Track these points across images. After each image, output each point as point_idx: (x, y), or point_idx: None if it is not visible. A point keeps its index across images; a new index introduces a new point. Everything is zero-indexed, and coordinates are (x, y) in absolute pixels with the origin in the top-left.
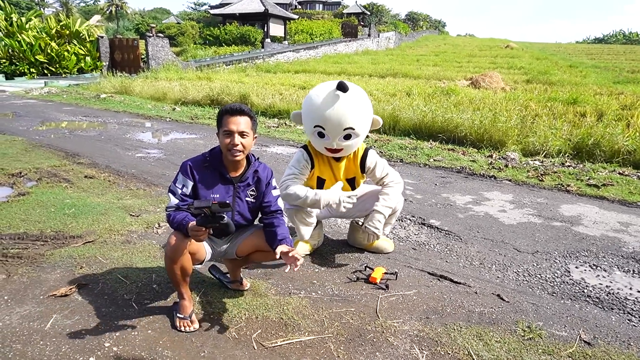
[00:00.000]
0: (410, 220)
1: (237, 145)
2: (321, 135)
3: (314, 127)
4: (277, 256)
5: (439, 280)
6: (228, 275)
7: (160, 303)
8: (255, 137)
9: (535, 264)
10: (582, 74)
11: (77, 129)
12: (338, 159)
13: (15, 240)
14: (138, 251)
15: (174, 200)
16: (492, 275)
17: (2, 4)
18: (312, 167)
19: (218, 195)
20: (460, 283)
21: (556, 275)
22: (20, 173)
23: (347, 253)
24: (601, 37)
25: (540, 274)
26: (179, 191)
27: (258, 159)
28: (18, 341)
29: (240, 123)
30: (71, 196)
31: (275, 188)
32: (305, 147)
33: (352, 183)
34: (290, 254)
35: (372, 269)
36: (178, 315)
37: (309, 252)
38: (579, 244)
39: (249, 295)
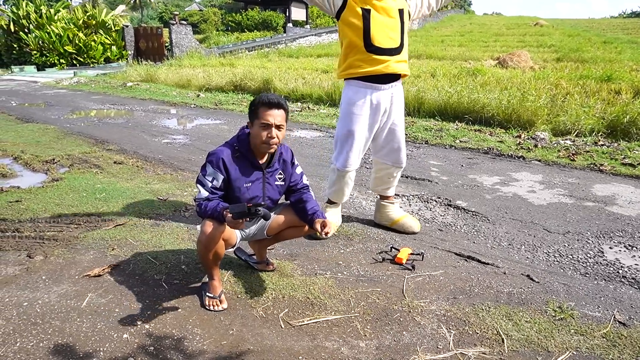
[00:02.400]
0: (436, 201)
1: (274, 138)
2: None
3: None
4: (316, 229)
5: (466, 261)
6: (254, 256)
7: (189, 283)
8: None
9: (567, 245)
10: (617, 50)
11: (105, 116)
12: None
13: (50, 223)
14: (167, 233)
15: (204, 193)
16: (522, 256)
17: None
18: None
19: (250, 184)
20: (488, 264)
21: (589, 255)
22: (54, 160)
23: (372, 234)
24: (638, 10)
25: (572, 255)
26: (209, 184)
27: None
28: (57, 318)
29: (278, 116)
30: (102, 181)
31: (297, 165)
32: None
33: (402, 16)
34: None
35: (398, 250)
36: (208, 294)
37: (334, 233)
38: (613, 224)
39: (275, 275)
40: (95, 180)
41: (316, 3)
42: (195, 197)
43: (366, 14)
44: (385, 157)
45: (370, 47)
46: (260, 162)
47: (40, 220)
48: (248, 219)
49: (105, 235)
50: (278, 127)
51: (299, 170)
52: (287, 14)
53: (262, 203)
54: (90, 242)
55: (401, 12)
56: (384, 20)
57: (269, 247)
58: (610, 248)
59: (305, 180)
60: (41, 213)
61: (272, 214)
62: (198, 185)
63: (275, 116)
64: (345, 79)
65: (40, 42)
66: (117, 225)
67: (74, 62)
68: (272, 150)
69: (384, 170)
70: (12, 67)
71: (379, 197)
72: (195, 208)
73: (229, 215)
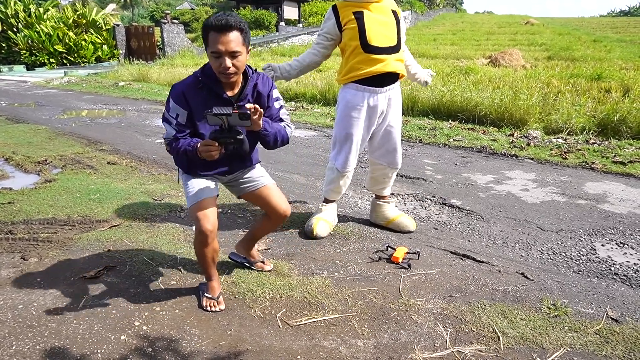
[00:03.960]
0: (430, 200)
1: (229, 68)
2: None
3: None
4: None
5: (461, 259)
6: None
7: (186, 284)
8: (249, 51)
9: (560, 243)
10: (606, 49)
11: (97, 116)
12: None
13: (44, 225)
14: (162, 234)
15: (171, 131)
16: (516, 254)
17: None
18: (337, 18)
19: (207, 124)
20: (483, 262)
21: (581, 253)
22: (46, 160)
23: (368, 233)
24: (627, 9)
25: (565, 252)
26: (174, 121)
27: (256, 70)
28: (53, 320)
29: (230, 41)
30: (95, 182)
31: (277, 99)
32: (333, 7)
33: (396, 17)
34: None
35: (394, 249)
36: (206, 295)
37: (330, 231)
38: (605, 221)
39: (272, 275)
40: (89, 181)
41: (327, 44)
42: (163, 136)
43: (359, 15)
44: (380, 158)
45: (368, 47)
46: (230, 94)
47: (34, 222)
48: (225, 142)
49: (101, 237)
50: (232, 54)
51: (278, 104)
52: (280, 13)
53: (248, 113)
54: (85, 243)
55: (394, 12)
56: (377, 17)
57: (263, 248)
58: (602, 245)
59: (284, 115)
60: (34, 215)
61: (250, 186)
62: (164, 124)
63: (226, 43)
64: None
65: (29, 41)
66: (112, 227)
67: (64, 61)
68: (232, 80)
69: (379, 170)
70: (1, 66)
71: (374, 196)
72: (166, 148)
73: (202, 142)
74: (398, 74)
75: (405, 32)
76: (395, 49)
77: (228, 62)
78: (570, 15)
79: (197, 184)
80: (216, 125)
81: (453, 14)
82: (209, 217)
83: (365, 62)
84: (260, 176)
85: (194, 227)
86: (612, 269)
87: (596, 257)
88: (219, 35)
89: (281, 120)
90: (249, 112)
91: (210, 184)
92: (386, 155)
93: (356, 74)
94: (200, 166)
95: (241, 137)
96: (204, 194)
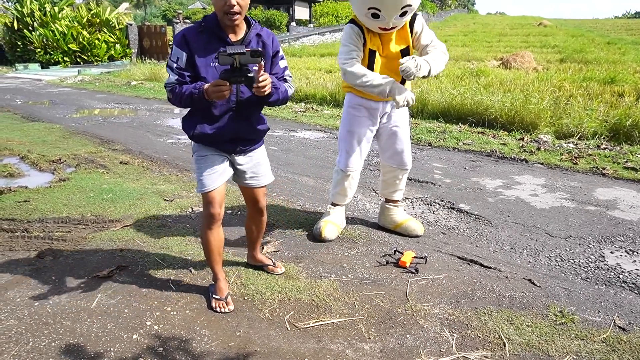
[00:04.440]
0: (439, 204)
1: (234, 6)
2: (375, 16)
3: (368, 9)
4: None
5: (468, 264)
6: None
7: (197, 285)
8: None
9: (568, 249)
10: (620, 51)
11: (110, 116)
12: (390, 30)
13: (59, 223)
14: (173, 235)
15: (173, 76)
16: (524, 260)
17: None
18: (364, 40)
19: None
20: (490, 267)
21: (590, 260)
22: (60, 159)
23: (376, 237)
24: None
25: (573, 259)
26: (174, 65)
27: (258, 22)
28: (67, 318)
29: None
30: (108, 182)
31: (282, 58)
32: (352, 21)
33: (405, 54)
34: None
35: (402, 253)
36: (214, 296)
37: (338, 234)
38: (615, 228)
39: (281, 278)
40: (102, 180)
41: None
42: (165, 83)
43: (372, 55)
44: (389, 160)
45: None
46: (233, 39)
47: (49, 221)
48: (236, 81)
49: (113, 236)
50: None
51: (283, 63)
52: (291, 13)
53: (260, 50)
54: (99, 242)
55: (405, 50)
56: (387, 63)
57: (272, 250)
58: (611, 253)
59: (288, 75)
60: (49, 213)
61: (253, 180)
62: (167, 70)
63: None
64: None
65: (44, 40)
66: (124, 226)
67: (78, 60)
68: (237, 22)
69: (389, 172)
70: (16, 64)
71: (383, 199)
72: (168, 97)
73: (210, 83)
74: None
75: (424, 37)
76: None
77: (234, 0)
78: (584, 16)
79: (208, 168)
80: (227, 65)
81: (465, 14)
82: (217, 200)
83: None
84: (264, 174)
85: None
86: (621, 276)
87: (605, 265)
88: None
89: (285, 80)
90: (260, 49)
91: (220, 167)
92: (394, 157)
93: (357, 91)
94: (208, 128)
95: (251, 75)
96: (214, 182)
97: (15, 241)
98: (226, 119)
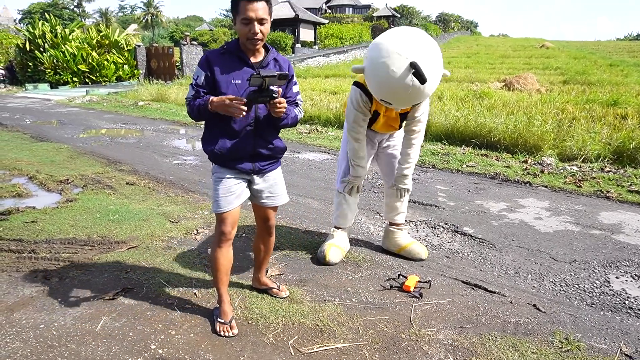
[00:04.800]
0: (443, 227)
1: (257, 33)
2: (388, 103)
3: (380, 99)
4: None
5: (473, 289)
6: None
7: (201, 307)
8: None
9: (573, 274)
10: (623, 73)
11: (117, 136)
12: None
13: (65, 244)
14: (178, 257)
15: (191, 92)
16: (528, 284)
17: (48, 17)
18: (371, 104)
19: (239, 81)
20: (494, 292)
21: (595, 285)
22: (68, 180)
23: (380, 261)
24: None
25: (578, 284)
26: (194, 82)
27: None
28: (72, 341)
29: (259, 9)
30: (114, 202)
31: (296, 84)
32: (359, 85)
33: (404, 116)
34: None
35: (406, 277)
36: (219, 320)
37: (342, 258)
38: (620, 253)
39: (285, 302)
40: (109, 201)
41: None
42: (185, 97)
43: (376, 114)
44: (390, 181)
45: (370, 129)
46: (253, 60)
47: (56, 242)
48: (260, 101)
49: (119, 258)
50: (260, 21)
51: (296, 88)
52: (296, 35)
53: (287, 73)
54: (105, 264)
55: (404, 114)
56: (387, 120)
57: (277, 274)
58: (616, 278)
59: (299, 100)
60: (56, 234)
61: (268, 201)
62: (189, 86)
63: (256, 10)
64: None
65: (54, 60)
66: (130, 248)
67: (87, 80)
68: (258, 47)
69: (390, 196)
70: (27, 84)
71: (387, 223)
72: (187, 110)
73: (230, 96)
74: None
75: (420, 115)
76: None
77: (257, 27)
78: (586, 38)
79: (226, 189)
80: (255, 86)
81: (468, 36)
82: (229, 220)
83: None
84: (280, 194)
85: (209, 251)
86: (627, 302)
87: (610, 290)
88: (250, 3)
89: (296, 104)
90: (287, 72)
91: (238, 189)
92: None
93: None
94: (228, 142)
95: (275, 95)
96: (229, 204)
97: (22, 262)
98: (245, 135)
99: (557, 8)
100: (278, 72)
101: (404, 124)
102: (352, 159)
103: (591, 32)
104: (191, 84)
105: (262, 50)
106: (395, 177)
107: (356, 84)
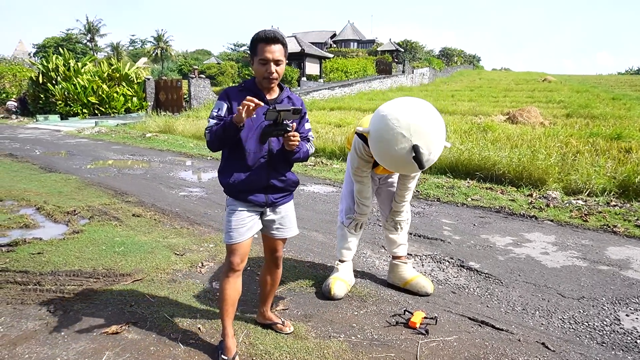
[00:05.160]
0: (448, 262)
1: (273, 73)
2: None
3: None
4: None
5: (480, 326)
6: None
7: (205, 342)
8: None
9: (582, 311)
10: (626, 107)
11: (124, 167)
12: None
13: (71, 277)
14: (183, 290)
15: (212, 121)
16: (536, 321)
17: (62, 51)
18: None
19: (255, 116)
20: (502, 329)
21: (605, 323)
22: (75, 211)
23: (385, 295)
24: None
25: (587, 322)
26: (215, 114)
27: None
28: None
29: (276, 51)
30: (120, 234)
31: (307, 121)
32: (362, 137)
33: None
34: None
35: (412, 313)
36: (222, 356)
37: (347, 292)
38: (629, 289)
39: (289, 337)
40: (115, 233)
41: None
42: (205, 128)
43: (376, 163)
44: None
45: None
46: (268, 97)
47: (61, 274)
48: (275, 135)
49: (124, 291)
50: (277, 62)
51: (308, 125)
52: (302, 69)
53: (300, 108)
54: (109, 297)
55: None
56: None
57: (281, 308)
58: (627, 315)
59: (311, 136)
60: (62, 266)
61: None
62: (208, 120)
63: (273, 52)
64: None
65: (65, 92)
66: (135, 281)
67: (96, 111)
68: (273, 85)
69: (389, 229)
70: (38, 116)
71: (392, 257)
72: (206, 140)
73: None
74: None
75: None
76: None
77: (273, 67)
78: (586, 72)
79: (238, 221)
80: (271, 120)
81: (471, 70)
82: (239, 252)
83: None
84: (290, 226)
85: (212, 284)
86: (638, 341)
87: (621, 328)
88: (268, 45)
89: (308, 140)
90: (300, 108)
91: (250, 222)
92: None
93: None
94: (243, 175)
95: (290, 129)
96: (241, 235)
97: (27, 294)
98: (259, 168)
99: (557, 43)
100: (292, 107)
101: None
102: (358, 198)
103: (592, 67)
104: (211, 116)
105: (277, 89)
106: (390, 212)
107: (359, 135)
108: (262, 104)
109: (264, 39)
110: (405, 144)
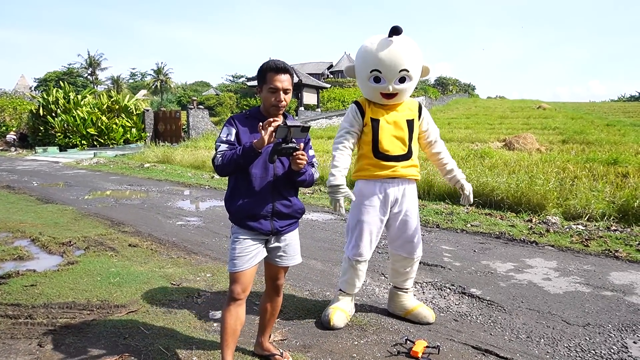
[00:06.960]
0: (449, 289)
1: (282, 101)
2: (377, 79)
3: (370, 72)
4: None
5: (483, 354)
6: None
7: None
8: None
9: (588, 338)
10: (620, 133)
11: (122, 197)
12: (391, 97)
13: (64, 309)
14: (179, 321)
15: (224, 146)
16: (541, 350)
17: (62, 85)
18: (363, 115)
19: (275, 136)
20: (507, 358)
21: (612, 351)
22: (70, 242)
23: (386, 324)
24: (637, 94)
25: (594, 350)
26: (225, 138)
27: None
28: None
29: (284, 80)
30: (116, 265)
31: (311, 148)
32: (355, 101)
33: (410, 126)
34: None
35: (414, 342)
36: None
37: (347, 322)
38: (635, 316)
39: None
40: (110, 263)
41: (354, 141)
42: (215, 154)
43: (375, 124)
44: (399, 249)
45: (378, 154)
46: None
47: (54, 306)
48: (283, 154)
49: (118, 323)
50: (285, 90)
51: (311, 152)
52: (299, 98)
53: (309, 125)
54: (102, 329)
55: (410, 122)
56: (391, 129)
57: (280, 339)
58: (634, 343)
59: (314, 161)
60: (55, 298)
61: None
62: (216, 145)
63: (282, 81)
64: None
65: (65, 124)
66: (129, 312)
67: (95, 143)
68: (280, 113)
69: (399, 261)
70: (37, 148)
71: (392, 285)
72: (215, 166)
73: (277, 127)
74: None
75: (431, 126)
76: (405, 157)
77: (282, 96)
78: (580, 100)
79: (242, 250)
80: (281, 137)
81: (466, 99)
82: (243, 280)
83: (374, 165)
84: (294, 255)
85: (209, 314)
86: None
87: (629, 356)
88: (277, 75)
89: (312, 165)
90: (309, 124)
91: (254, 250)
92: (405, 246)
93: (365, 174)
94: (249, 201)
95: (298, 148)
96: (245, 264)
97: (17, 328)
98: (265, 192)
99: (549, 72)
100: (301, 124)
101: (414, 146)
102: (330, 168)
103: (586, 94)
104: (220, 141)
105: (281, 117)
106: (453, 175)
107: (354, 101)
108: (280, 121)
109: (273, 69)
110: (383, 35)
